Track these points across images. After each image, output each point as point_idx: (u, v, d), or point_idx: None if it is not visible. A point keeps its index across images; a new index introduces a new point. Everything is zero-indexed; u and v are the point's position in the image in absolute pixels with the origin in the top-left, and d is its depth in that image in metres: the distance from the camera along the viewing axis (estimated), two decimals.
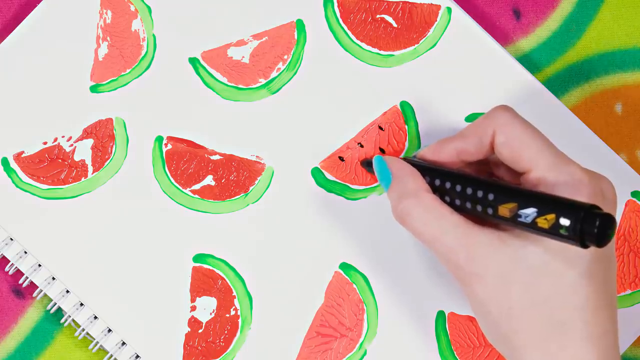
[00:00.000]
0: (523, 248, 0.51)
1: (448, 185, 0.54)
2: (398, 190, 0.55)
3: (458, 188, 0.53)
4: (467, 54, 0.65)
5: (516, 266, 0.50)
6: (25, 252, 0.62)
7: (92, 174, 0.63)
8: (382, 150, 0.64)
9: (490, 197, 0.51)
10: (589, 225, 0.46)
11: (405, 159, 0.57)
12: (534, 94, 0.64)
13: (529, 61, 0.67)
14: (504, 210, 0.50)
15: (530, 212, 0.48)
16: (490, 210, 0.51)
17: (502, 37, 0.68)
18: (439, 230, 0.52)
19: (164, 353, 0.61)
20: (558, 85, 0.67)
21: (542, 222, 0.48)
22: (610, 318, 0.51)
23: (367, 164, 0.62)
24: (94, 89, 0.64)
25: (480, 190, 0.52)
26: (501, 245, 0.51)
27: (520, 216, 0.49)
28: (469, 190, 0.52)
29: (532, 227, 0.48)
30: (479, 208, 0.52)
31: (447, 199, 0.54)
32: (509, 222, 0.50)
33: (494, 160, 0.57)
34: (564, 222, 0.47)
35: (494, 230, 0.52)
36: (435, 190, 0.54)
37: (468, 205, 0.53)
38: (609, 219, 0.46)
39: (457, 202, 0.53)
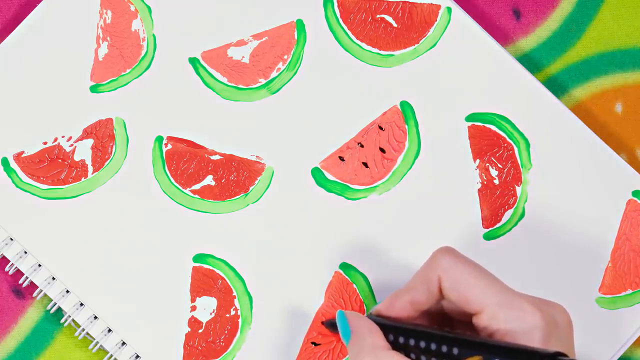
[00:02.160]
0: None
1: (412, 342, 0.53)
2: (356, 347, 0.54)
3: (422, 344, 0.53)
4: (467, 54, 0.65)
5: None
6: (25, 252, 0.62)
7: (92, 174, 0.63)
8: (382, 150, 0.64)
9: (455, 351, 0.51)
10: None
11: (369, 316, 0.56)
12: (534, 94, 0.65)
13: (529, 61, 0.67)
14: None
15: None
16: None
17: (502, 37, 0.68)
18: None
19: (164, 353, 0.61)
20: (558, 85, 0.67)
21: None
22: None
23: (330, 324, 0.61)
24: (94, 89, 0.64)
25: (444, 344, 0.51)
26: None
27: None
28: (433, 346, 0.52)
29: None
30: None
31: (413, 355, 0.53)
32: None
33: (447, 304, 0.57)
34: None
35: None
36: (400, 347, 0.54)
37: None
38: None
39: (423, 358, 0.53)
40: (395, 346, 0.53)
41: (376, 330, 0.54)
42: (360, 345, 0.54)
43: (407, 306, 0.55)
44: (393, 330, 0.54)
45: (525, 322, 0.50)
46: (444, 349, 0.51)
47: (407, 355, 0.53)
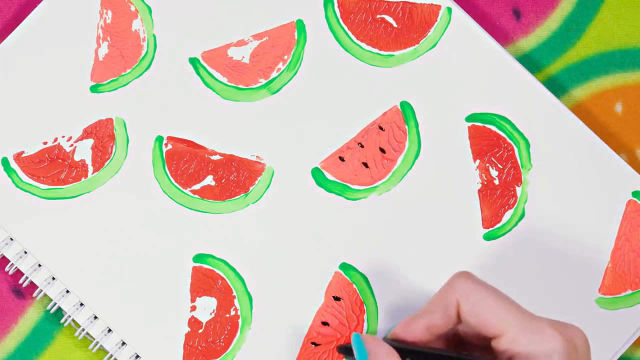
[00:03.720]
0: None
1: None
2: None
3: None
4: (467, 54, 0.65)
5: None
6: (25, 252, 0.62)
7: (92, 174, 0.63)
8: (382, 151, 0.64)
9: None
10: None
11: (385, 339, 0.56)
12: (534, 94, 0.65)
13: (529, 61, 0.67)
14: None
15: None
16: None
17: (502, 37, 0.68)
18: None
19: (164, 353, 0.61)
20: (558, 85, 0.67)
21: None
22: None
23: (344, 349, 0.59)
24: (94, 89, 0.64)
25: None
26: None
27: None
28: None
29: None
30: None
31: None
32: None
33: (463, 328, 0.57)
34: None
35: None
36: None
37: None
38: None
39: None
40: None
41: (393, 354, 0.54)
42: None
43: (423, 330, 0.55)
44: (410, 354, 0.54)
45: (546, 346, 0.50)
46: None
47: None
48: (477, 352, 0.56)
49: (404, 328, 0.55)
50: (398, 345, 0.55)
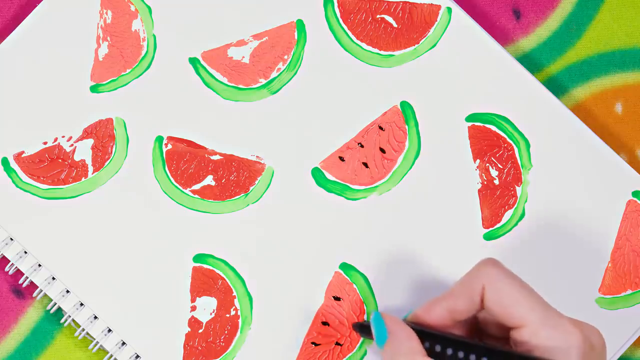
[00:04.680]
0: None
1: (450, 351, 0.53)
2: (392, 350, 0.54)
3: (460, 355, 0.53)
4: (468, 54, 0.65)
5: None
6: (25, 252, 0.62)
7: (92, 174, 0.63)
8: (382, 151, 0.64)
9: None
10: None
11: (404, 321, 0.56)
12: (534, 94, 0.65)
13: (529, 61, 0.67)
14: None
15: None
16: None
17: (502, 37, 0.68)
18: None
19: (164, 353, 0.61)
20: (558, 85, 0.67)
21: None
22: None
23: (360, 327, 0.60)
24: (94, 89, 0.64)
25: (485, 357, 0.52)
26: None
27: None
28: (472, 357, 0.52)
29: None
30: None
31: None
32: None
33: (483, 315, 0.57)
34: None
35: None
36: (436, 356, 0.54)
37: None
38: None
39: None
40: (431, 354, 0.54)
41: (414, 337, 0.54)
42: (396, 350, 0.54)
43: (445, 314, 0.55)
44: (429, 337, 0.54)
45: (566, 341, 0.51)
46: None
47: None
48: (490, 341, 0.56)
49: (425, 311, 0.55)
50: (418, 328, 0.55)
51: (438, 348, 0.54)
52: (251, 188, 0.63)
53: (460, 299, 0.54)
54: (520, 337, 0.52)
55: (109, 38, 0.64)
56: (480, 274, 0.54)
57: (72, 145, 0.63)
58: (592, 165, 0.64)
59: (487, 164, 0.64)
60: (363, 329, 0.59)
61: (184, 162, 0.63)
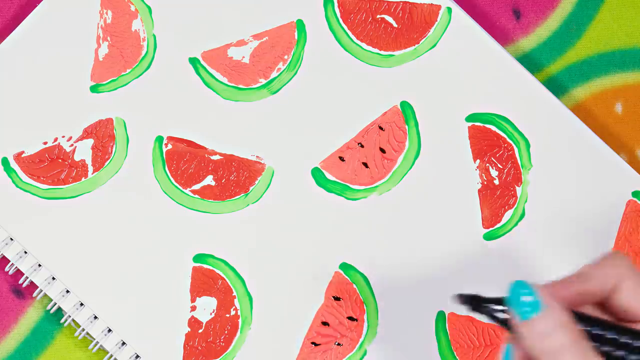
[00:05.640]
0: None
1: (597, 331, 0.51)
2: (551, 322, 0.50)
3: (610, 335, 0.52)
4: (468, 54, 0.65)
5: None
6: (25, 252, 0.62)
7: (92, 174, 0.63)
8: (382, 151, 0.64)
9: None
10: None
11: None
12: (534, 94, 0.65)
13: (529, 61, 0.67)
14: None
15: None
16: None
17: (502, 37, 0.68)
18: None
19: (164, 353, 0.61)
20: (558, 85, 0.67)
21: None
22: None
23: (468, 299, 0.52)
24: (94, 89, 0.64)
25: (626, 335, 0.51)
26: None
27: None
28: (625, 339, 0.52)
29: None
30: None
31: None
32: None
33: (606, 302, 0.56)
34: None
35: None
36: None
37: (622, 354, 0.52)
38: None
39: (605, 348, 0.51)
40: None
41: (568, 313, 0.51)
42: (556, 322, 0.50)
43: (574, 295, 0.53)
44: (581, 319, 0.52)
45: None
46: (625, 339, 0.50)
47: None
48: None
49: (555, 289, 0.52)
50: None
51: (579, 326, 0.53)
52: (251, 188, 0.63)
53: (593, 283, 0.52)
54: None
55: (109, 38, 0.64)
56: (616, 264, 0.52)
57: (72, 145, 0.63)
58: (592, 165, 0.64)
59: (487, 164, 0.64)
60: (471, 303, 0.52)
61: (184, 162, 0.63)
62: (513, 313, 0.50)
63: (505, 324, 0.50)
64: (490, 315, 0.50)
